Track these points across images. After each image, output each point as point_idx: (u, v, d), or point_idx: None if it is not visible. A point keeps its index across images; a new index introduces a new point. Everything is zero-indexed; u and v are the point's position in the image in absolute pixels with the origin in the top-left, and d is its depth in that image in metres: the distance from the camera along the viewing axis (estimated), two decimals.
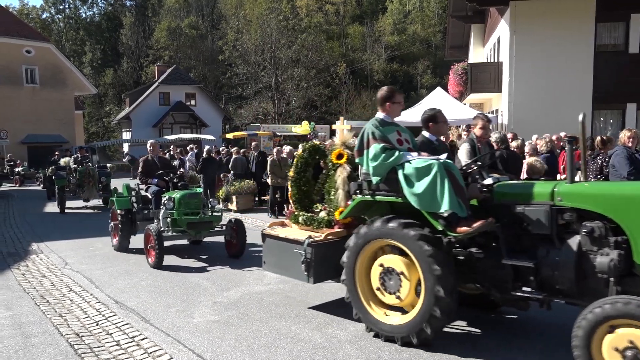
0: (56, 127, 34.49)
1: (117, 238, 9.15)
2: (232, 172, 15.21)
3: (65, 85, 36.05)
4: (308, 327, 5.18)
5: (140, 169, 9.44)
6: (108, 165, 19.97)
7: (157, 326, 5.27)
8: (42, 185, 22.38)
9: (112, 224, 9.43)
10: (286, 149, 14.17)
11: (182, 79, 45.79)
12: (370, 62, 54.77)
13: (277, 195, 13.12)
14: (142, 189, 9.47)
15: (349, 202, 5.18)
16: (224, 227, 8.60)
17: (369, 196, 4.86)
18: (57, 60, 35.90)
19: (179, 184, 9.06)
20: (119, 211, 9.01)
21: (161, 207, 8.35)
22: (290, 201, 6.15)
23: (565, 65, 15.63)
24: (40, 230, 11.89)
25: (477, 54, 24.54)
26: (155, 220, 8.61)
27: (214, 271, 7.63)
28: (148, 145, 9.66)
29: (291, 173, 6.17)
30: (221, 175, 15.79)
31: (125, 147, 42.11)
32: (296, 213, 5.96)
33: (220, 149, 18.97)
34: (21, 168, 27.37)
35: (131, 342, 4.88)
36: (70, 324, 5.39)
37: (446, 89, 21.65)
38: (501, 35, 18.07)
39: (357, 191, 5.07)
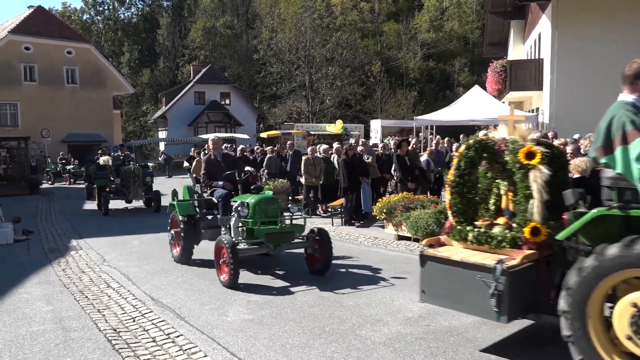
0: (95, 126, 35.35)
1: (178, 248, 8.03)
2: (265, 171, 15.26)
3: (104, 85, 36.94)
4: (341, 328, 5.12)
5: (203, 170, 8.31)
6: (150, 164, 19.78)
7: (192, 324, 5.30)
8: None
9: (172, 232, 8.23)
10: (321, 147, 14.11)
11: (217, 78, 46.36)
12: (406, 60, 54.22)
13: (310, 195, 13.10)
14: (205, 192, 8.28)
15: (565, 216, 3.87)
16: (305, 239, 7.37)
17: (617, 209, 3.53)
18: (96, 61, 36.83)
19: (251, 187, 7.81)
20: (180, 218, 7.82)
21: (232, 214, 7.31)
22: (449, 212, 4.91)
23: (609, 62, 14.94)
24: (80, 227, 12.18)
25: (517, 51, 23.96)
26: (223, 229, 7.60)
27: (247, 271, 7.63)
28: (209, 142, 8.72)
29: (450, 176, 4.92)
30: (260, 172, 15.84)
31: (162, 146, 42.93)
32: (460, 228, 4.72)
33: (255, 147, 19.08)
34: (72, 166, 28.08)
35: (167, 338, 4.93)
36: (108, 320, 5.48)
37: (484, 87, 21.25)
38: (542, 32, 17.57)
39: (581, 201, 3.87)
